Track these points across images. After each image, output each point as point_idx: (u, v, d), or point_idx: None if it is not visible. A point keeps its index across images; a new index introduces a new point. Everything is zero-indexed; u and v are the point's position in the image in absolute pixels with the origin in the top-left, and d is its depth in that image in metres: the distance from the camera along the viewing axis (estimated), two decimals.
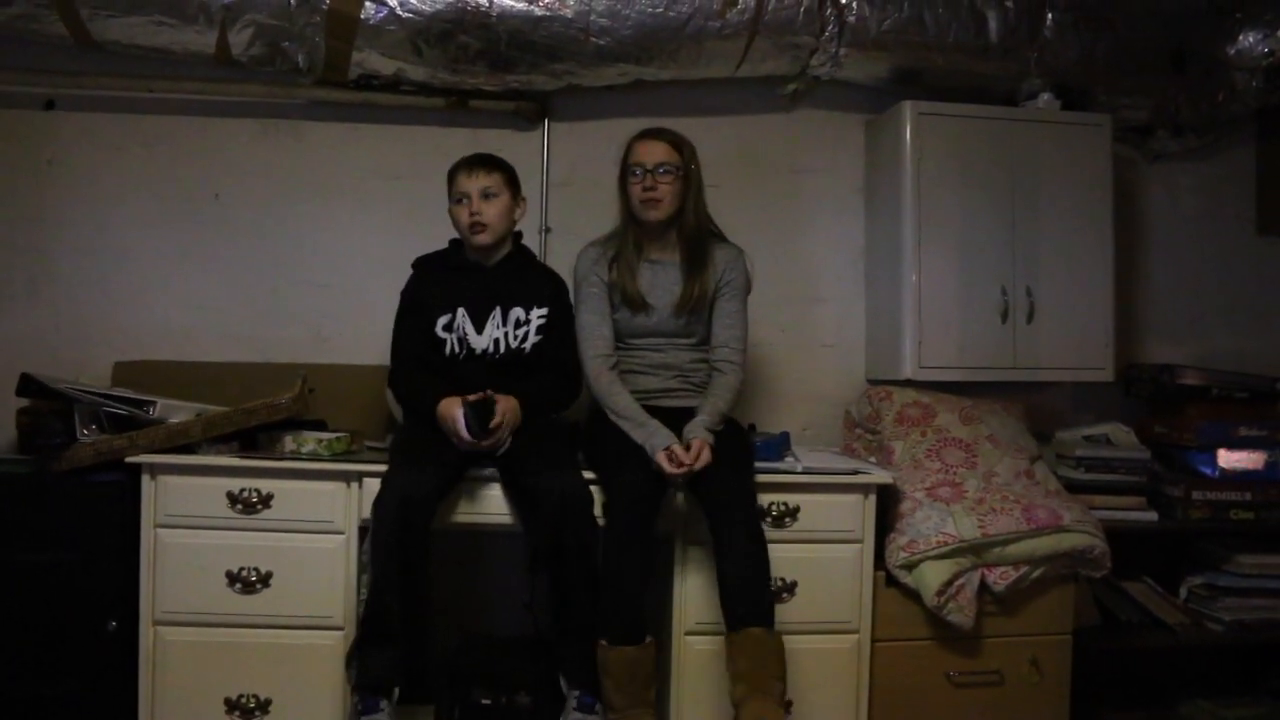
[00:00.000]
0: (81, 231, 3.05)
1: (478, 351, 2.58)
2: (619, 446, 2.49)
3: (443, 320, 2.58)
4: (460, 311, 2.58)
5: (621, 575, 2.35)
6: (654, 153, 2.64)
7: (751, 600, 2.35)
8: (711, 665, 2.53)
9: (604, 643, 2.34)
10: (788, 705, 2.41)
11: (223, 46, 2.83)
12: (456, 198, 2.58)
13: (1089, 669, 2.83)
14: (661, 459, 2.39)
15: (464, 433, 2.38)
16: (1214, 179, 3.59)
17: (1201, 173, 3.58)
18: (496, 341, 2.59)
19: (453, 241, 2.69)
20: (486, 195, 2.56)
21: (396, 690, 2.28)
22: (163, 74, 2.98)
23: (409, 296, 2.65)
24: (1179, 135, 3.43)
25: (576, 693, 2.33)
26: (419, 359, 2.59)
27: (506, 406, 2.42)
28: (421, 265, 2.68)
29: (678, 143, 2.67)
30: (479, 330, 2.59)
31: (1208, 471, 3.14)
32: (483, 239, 2.58)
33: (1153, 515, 3.08)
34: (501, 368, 2.56)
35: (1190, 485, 3.09)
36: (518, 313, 2.60)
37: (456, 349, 2.58)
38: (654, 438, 2.45)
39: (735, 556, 2.37)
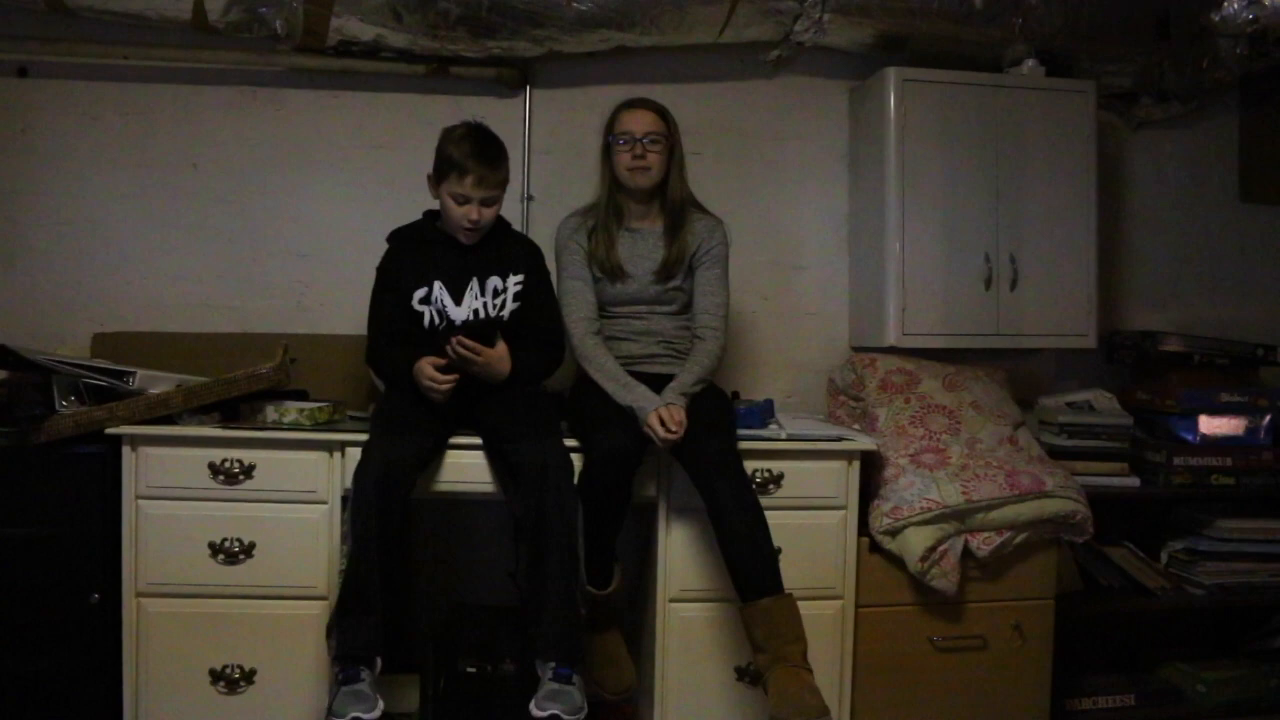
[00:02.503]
0: (57, 202, 3.00)
1: (457, 323, 2.56)
2: (601, 409, 2.50)
3: (419, 293, 2.56)
4: (437, 284, 2.56)
5: (600, 531, 2.42)
6: (643, 122, 2.66)
7: (756, 571, 2.38)
8: (697, 632, 2.56)
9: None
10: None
11: (199, 12, 2.78)
12: (459, 198, 2.49)
13: (1071, 633, 2.85)
14: (654, 422, 2.40)
15: (439, 376, 2.41)
16: (1198, 146, 3.58)
17: (1185, 140, 3.57)
18: (475, 312, 2.56)
19: (427, 212, 2.66)
20: (489, 202, 2.52)
21: (379, 660, 2.27)
22: (138, 41, 2.93)
23: (384, 271, 2.62)
24: (1163, 102, 3.43)
25: (552, 664, 2.30)
26: (394, 334, 2.57)
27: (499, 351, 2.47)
28: (396, 239, 2.64)
29: (663, 112, 2.70)
30: (457, 302, 2.56)
31: (1189, 437, 3.16)
32: (473, 240, 2.55)
33: (1135, 481, 3.10)
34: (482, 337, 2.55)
35: (1172, 451, 3.11)
36: (495, 282, 2.58)
37: (436, 320, 2.56)
38: (643, 400, 2.46)
39: (733, 528, 2.39)
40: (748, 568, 2.37)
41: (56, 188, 3.01)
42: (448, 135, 2.53)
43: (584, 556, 2.40)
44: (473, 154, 2.48)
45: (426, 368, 2.43)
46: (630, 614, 2.81)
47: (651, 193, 2.71)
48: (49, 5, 2.75)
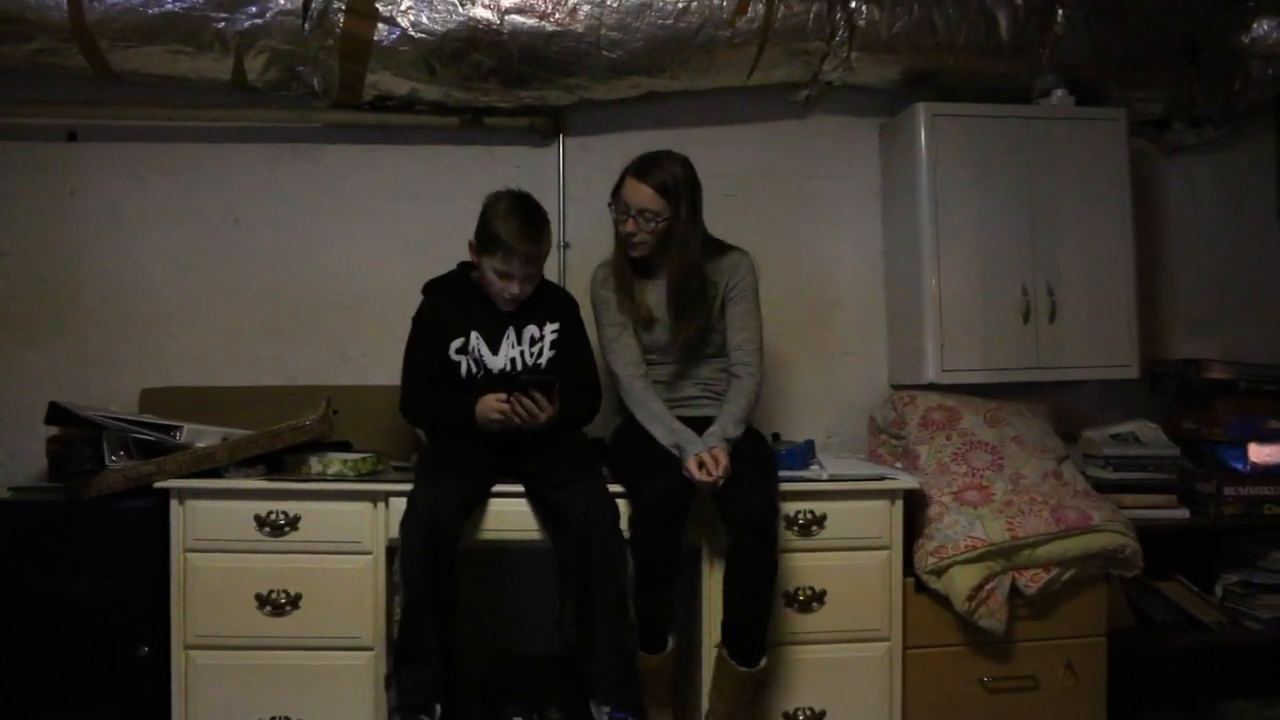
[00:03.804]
0: (105, 261, 3.08)
1: (495, 371, 2.58)
2: (646, 454, 2.49)
3: (456, 343, 2.58)
4: (474, 334, 2.58)
5: (651, 583, 2.37)
6: (639, 197, 2.57)
7: (751, 637, 2.41)
8: None
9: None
10: (821, 716, 2.53)
11: (239, 73, 2.86)
12: (500, 271, 2.51)
13: (1125, 671, 2.79)
14: (692, 465, 2.38)
15: (504, 405, 2.41)
16: (1234, 169, 3.55)
17: (1221, 163, 3.54)
18: (513, 360, 2.58)
19: (462, 263, 2.69)
20: (530, 278, 2.54)
21: (438, 708, 2.28)
22: (181, 102, 3.02)
23: (420, 322, 2.64)
24: (1196, 126, 3.41)
25: (607, 709, 2.31)
26: (432, 382, 2.59)
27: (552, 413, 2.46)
28: (432, 289, 2.67)
29: (665, 188, 2.56)
30: (494, 351, 2.58)
31: (1239, 466, 3.10)
32: (511, 309, 2.58)
33: (1184, 513, 3.05)
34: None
35: (1221, 481, 3.06)
36: (531, 330, 2.60)
37: (473, 369, 2.58)
38: (688, 443, 2.44)
39: (742, 587, 2.40)
40: (745, 631, 2.41)
41: (104, 247, 3.08)
42: (493, 208, 2.52)
43: (635, 613, 2.38)
44: (517, 233, 2.48)
45: (492, 400, 2.44)
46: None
47: (653, 257, 2.65)
48: (96, 71, 2.84)
